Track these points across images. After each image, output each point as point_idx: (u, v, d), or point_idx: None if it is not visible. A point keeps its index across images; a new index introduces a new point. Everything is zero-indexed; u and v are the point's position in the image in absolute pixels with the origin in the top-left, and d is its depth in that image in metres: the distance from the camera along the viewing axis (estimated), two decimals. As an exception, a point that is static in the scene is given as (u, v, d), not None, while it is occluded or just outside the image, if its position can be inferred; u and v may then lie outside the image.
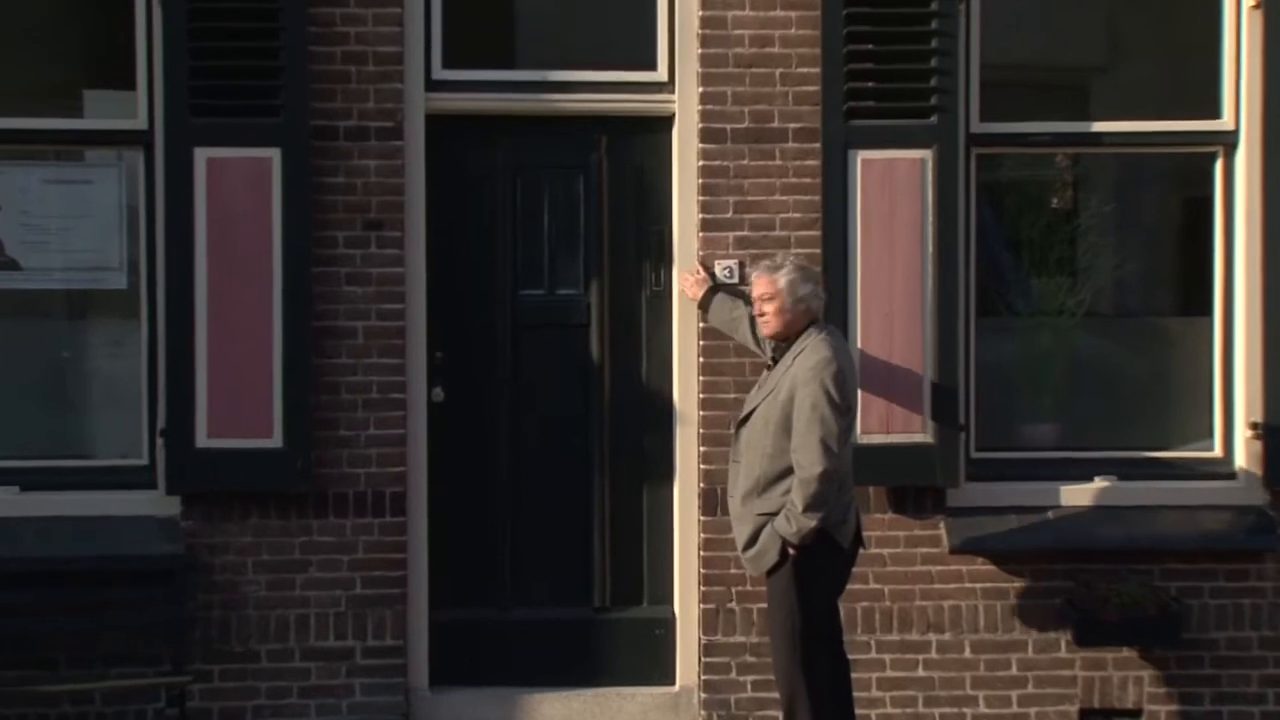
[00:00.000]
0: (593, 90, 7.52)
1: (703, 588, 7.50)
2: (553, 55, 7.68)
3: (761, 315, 6.69)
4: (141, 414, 7.42)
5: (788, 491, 6.37)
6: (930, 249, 7.35)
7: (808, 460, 6.27)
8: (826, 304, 6.84)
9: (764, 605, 6.86)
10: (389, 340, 7.36)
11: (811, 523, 6.30)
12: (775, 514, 6.40)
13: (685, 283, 7.41)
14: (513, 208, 7.67)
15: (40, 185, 7.48)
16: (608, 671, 7.69)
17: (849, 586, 6.95)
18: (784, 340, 6.63)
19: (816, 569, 6.45)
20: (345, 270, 7.33)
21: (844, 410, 6.37)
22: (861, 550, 6.77)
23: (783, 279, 6.59)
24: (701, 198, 7.41)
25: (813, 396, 6.31)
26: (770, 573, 6.49)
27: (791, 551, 6.38)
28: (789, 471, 6.38)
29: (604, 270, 7.68)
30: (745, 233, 7.42)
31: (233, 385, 7.21)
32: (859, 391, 7.04)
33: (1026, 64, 7.90)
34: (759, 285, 6.69)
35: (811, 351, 6.44)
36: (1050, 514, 7.49)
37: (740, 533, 6.55)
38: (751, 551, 6.51)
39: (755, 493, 6.48)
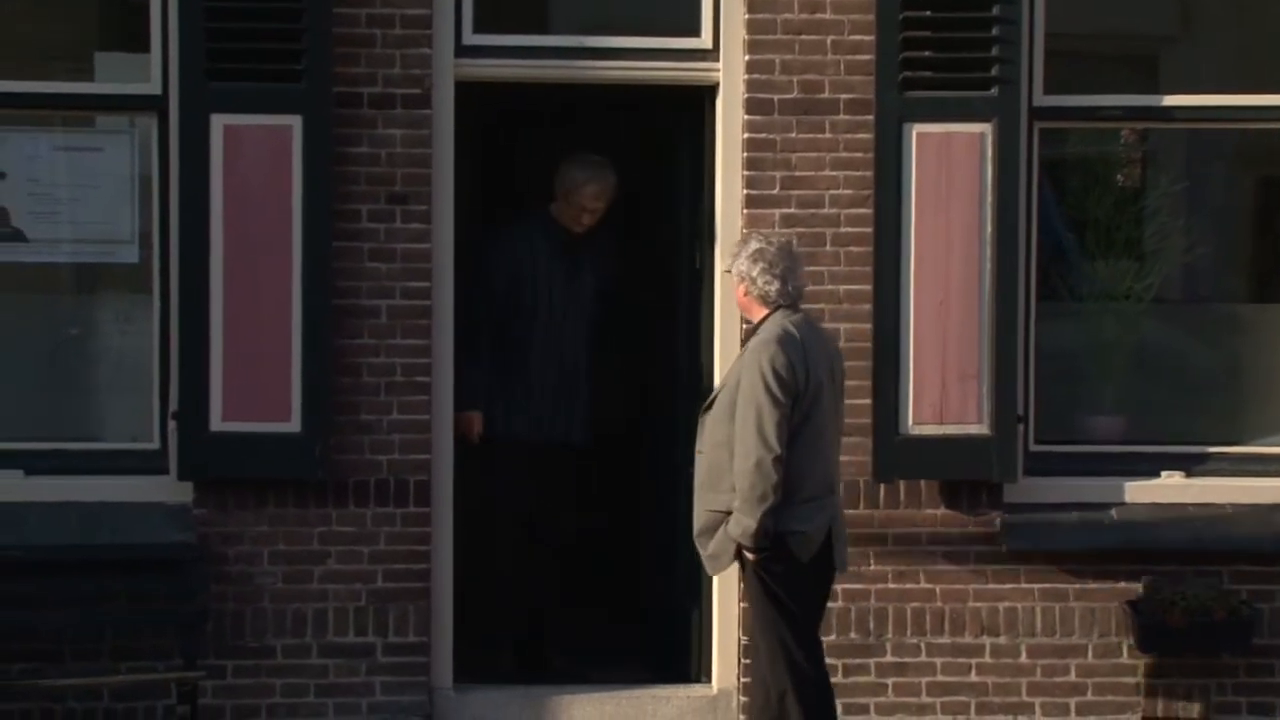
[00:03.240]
0: (632, 57, 7.41)
1: (741, 585, 7.23)
2: (590, 20, 7.66)
3: None
4: (152, 395, 7.30)
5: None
6: (989, 229, 7.20)
7: (741, 450, 6.07)
8: (880, 285, 6.88)
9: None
10: (414, 320, 7.23)
11: (750, 521, 6.05)
12: (726, 513, 6.17)
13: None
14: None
15: (48, 153, 7.41)
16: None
17: (899, 587, 7.13)
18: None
19: (777, 578, 6.19)
20: (368, 246, 7.19)
21: (784, 398, 6.06)
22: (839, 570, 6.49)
23: (733, 261, 6.37)
24: (746, 172, 7.29)
25: (750, 381, 6.11)
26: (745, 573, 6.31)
27: (751, 557, 6.16)
28: None
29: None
30: (792, 210, 7.28)
31: (249, 366, 7.09)
32: (910, 379, 7.08)
33: (1093, 33, 7.76)
34: None
35: (758, 335, 6.26)
36: (1113, 512, 7.38)
37: (695, 525, 6.35)
38: (708, 551, 6.29)
39: (708, 485, 6.28)
